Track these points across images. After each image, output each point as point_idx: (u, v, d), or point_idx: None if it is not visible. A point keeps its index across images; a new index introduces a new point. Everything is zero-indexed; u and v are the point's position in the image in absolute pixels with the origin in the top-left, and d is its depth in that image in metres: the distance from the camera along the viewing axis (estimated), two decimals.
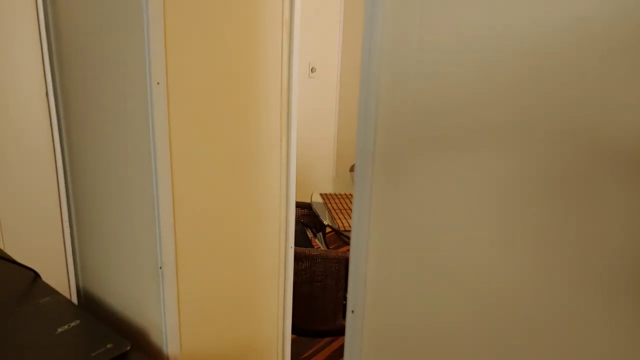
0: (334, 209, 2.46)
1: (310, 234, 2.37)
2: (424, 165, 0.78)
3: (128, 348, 1.07)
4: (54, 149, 1.63)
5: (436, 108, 0.75)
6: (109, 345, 1.06)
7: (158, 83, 1.07)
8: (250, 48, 1.35)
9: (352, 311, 0.89)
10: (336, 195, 2.70)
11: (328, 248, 2.37)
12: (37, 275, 1.39)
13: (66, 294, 1.66)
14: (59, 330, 1.11)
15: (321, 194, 2.71)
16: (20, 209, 1.60)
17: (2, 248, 1.58)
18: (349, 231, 2.22)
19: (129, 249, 1.33)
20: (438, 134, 0.75)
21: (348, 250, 2.55)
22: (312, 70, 3.89)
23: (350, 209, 2.46)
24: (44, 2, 1.50)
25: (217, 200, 1.36)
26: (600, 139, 0.59)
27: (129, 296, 1.38)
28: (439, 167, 0.76)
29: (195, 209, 1.29)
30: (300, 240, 2.30)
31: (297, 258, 1.96)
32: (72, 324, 1.13)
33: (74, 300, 1.67)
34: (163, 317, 1.25)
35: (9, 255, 1.51)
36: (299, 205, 2.69)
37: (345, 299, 2.03)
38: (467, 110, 0.71)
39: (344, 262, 1.99)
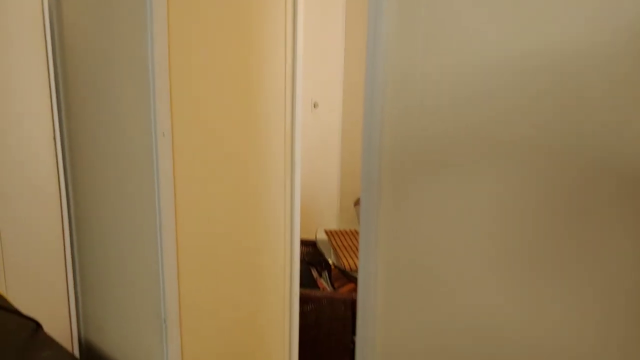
0: (339, 247, 2.44)
1: (315, 274, 2.34)
2: (432, 198, 0.76)
3: None
4: (60, 194, 1.63)
5: (441, 135, 0.74)
6: None
7: (163, 134, 1.07)
8: (255, 90, 1.36)
9: None
10: (341, 232, 2.68)
11: (334, 287, 2.33)
12: (38, 325, 1.36)
13: (68, 345, 1.63)
14: None
15: (326, 231, 2.69)
16: (25, 255, 1.59)
17: (5, 294, 1.56)
18: (356, 271, 2.19)
19: (132, 300, 1.31)
20: (445, 163, 0.74)
21: (354, 288, 2.51)
22: (315, 105, 3.92)
23: (356, 247, 2.43)
24: (54, 48, 1.53)
25: (222, 247, 1.34)
26: (607, 160, 0.58)
27: (132, 349, 1.35)
28: (448, 201, 0.74)
29: (199, 257, 1.27)
30: (305, 280, 2.26)
31: (302, 300, 1.92)
32: None
33: (76, 351, 1.64)
34: None
35: (10, 304, 1.48)
36: (303, 243, 2.66)
37: (353, 342, 1.99)
38: (473, 136, 0.70)
39: (351, 304, 1.96)
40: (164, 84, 1.09)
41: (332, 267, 2.36)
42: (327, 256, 2.35)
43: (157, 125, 1.09)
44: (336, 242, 2.51)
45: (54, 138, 1.65)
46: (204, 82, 1.21)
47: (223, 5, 1.22)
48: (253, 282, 1.46)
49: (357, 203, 3.46)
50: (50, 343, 1.26)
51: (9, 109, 1.53)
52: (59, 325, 1.62)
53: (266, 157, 1.43)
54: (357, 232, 2.66)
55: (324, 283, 2.26)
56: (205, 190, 1.26)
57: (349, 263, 2.24)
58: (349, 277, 2.40)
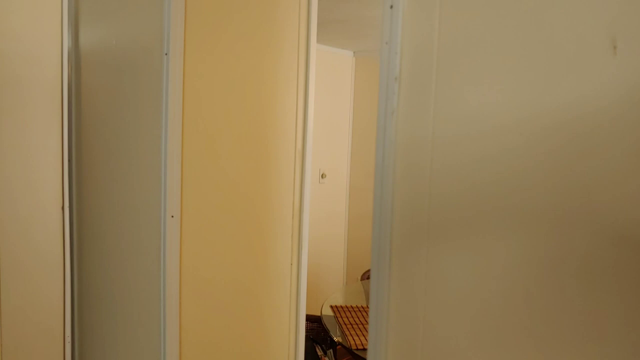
0: (346, 324, 2.34)
1: (319, 352, 2.23)
2: (446, 271, 0.73)
3: None
4: (64, 267, 1.60)
5: (453, 207, 0.72)
6: None
7: (172, 216, 1.06)
8: (266, 167, 1.36)
9: None
10: (348, 307, 2.58)
11: None
12: None
13: None
14: None
15: (331, 306, 2.60)
16: (23, 325, 1.53)
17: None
18: (363, 350, 2.08)
19: None
20: (456, 234, 0.71)
21: None
22: (323, 175, 3.95)
23: (363, 324, 2.33)
24: (70, 125, 1.56)
25: (226, 329, 1.28)
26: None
27: None
28: (462, 274, 0.71)
29: (202, 342, 1.21)
30: (310, 359, 2.15)
31: None
32: None
33: None
34: None
35: None
36: (308, 319, 2.56)
37: None
38: (485, 207, 0.68)
39: None
40: (175, 169, 1.09)
41: (338, 345, 2.25)
42: (332, 333, 2.25)
43: (167, 207, 1.08)
44: (342, 319, 2.41)
45: (62, 208, 1.66)
46: (215, 167, 1.21)
47: (237, 88, 1.26)
48: None
49: (363, 277, 3.37)
50: None
51: (22, 179, 1.54)
52: None
53: (274, 234, 1.40)
54: (363, 308, 2.57)
55: None
56: (211, 269, 1.23)
57: (354, 342, 2.13)
58: (355, 356, 2.28)
